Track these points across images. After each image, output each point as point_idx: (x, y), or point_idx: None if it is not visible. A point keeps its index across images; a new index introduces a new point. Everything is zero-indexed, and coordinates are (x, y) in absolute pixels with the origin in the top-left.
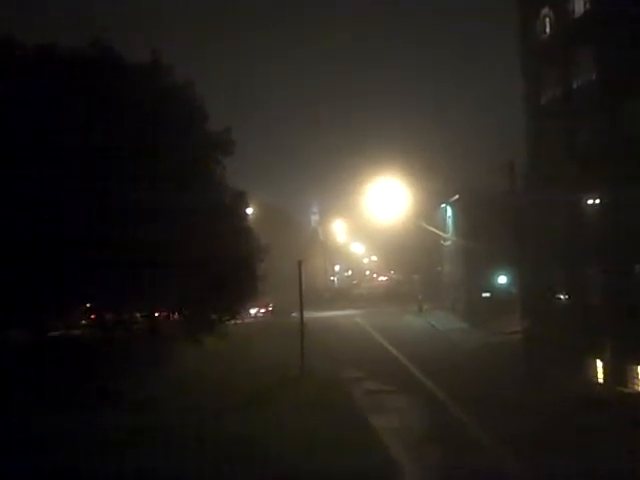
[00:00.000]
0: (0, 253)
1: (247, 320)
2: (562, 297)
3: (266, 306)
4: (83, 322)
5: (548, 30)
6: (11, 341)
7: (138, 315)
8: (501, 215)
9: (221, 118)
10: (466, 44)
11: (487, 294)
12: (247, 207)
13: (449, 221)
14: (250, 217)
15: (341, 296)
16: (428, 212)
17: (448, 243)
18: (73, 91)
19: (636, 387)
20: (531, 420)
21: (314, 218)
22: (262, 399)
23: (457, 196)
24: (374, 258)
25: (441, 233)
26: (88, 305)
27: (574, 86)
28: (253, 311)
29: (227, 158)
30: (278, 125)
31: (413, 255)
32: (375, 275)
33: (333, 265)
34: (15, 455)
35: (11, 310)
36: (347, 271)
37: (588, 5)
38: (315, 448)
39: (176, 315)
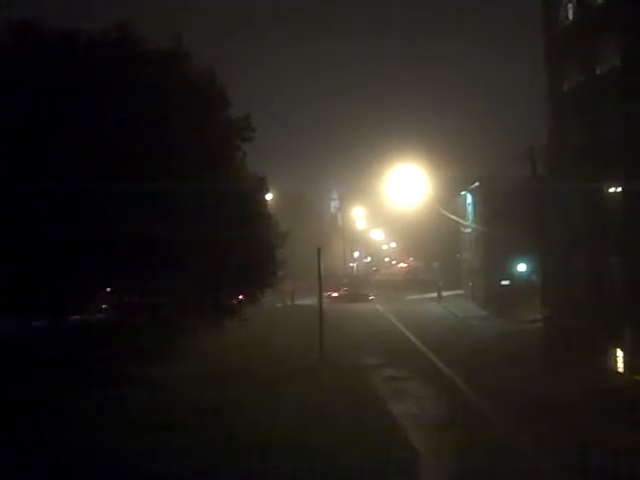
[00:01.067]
0: (21, 239)
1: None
2: (582, 285)
3: (338, 290)
4: (104, 307)
5: (571, 16)
6: (31, 326)
7: (157, 301)
8: (521, 202)
9: (241, 104)
10: (488, 31)
11: (507, 282)
12: (267, 193)
13: (469, 208)
14: (270, 203)
15: (361, 282)
16: (448, 199)
17: (468, 230)
18: (93, 77)
19: None
20: (549, 408)
21: (334, 204)
22: (281, 386)
23: (477, 183)
24: (393, 245)
25: (461, 220)
26: (109, 290)
27: (597, 72)
28: (334, 294)
29: (247, 144)
30: (299, 112)
31: (432, 242)
32: (394, 262)
33: (352, 252)
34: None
35: (31, 296)
36: (366, 258)
37: None
38: (334, 434)
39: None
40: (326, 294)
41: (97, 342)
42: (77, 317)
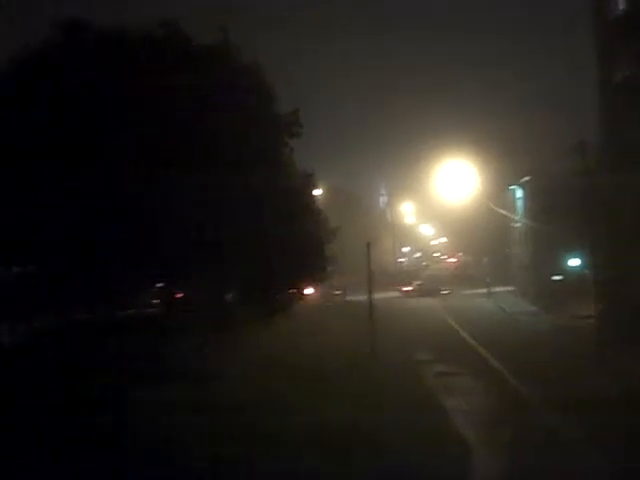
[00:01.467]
0: (73, 234)
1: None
2: (636, 280)
3: (411, 284)
4: (155, 301)
5: (623, 6)
6: (78, 320)
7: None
8: (572, 197)
9: (289, 99)
10: (536, 25)
11: (558, 277)
12: (315, 189)
13: (518, 202)
14: (318, 199)
15: (410, 278)
16: (497, 194)
17: (518, 225)
18: (142, 76)
19: None
20: (601, 404)
21: (382, 200)
22: (332, 379)
23: (527, 177)
24: (443, 240)
25: (510, 215)
26: (159, 285)
27: None
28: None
29: (295, 140)
30: (346, 107)
31: (482, 237)
32: (444, 257)
33: (402, 247)
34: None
35: (79, 290)
36: (416, 253)
37: None
38: (385, 427)
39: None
40: (401, 288)
41: (145, 337)
42: (129, 311)
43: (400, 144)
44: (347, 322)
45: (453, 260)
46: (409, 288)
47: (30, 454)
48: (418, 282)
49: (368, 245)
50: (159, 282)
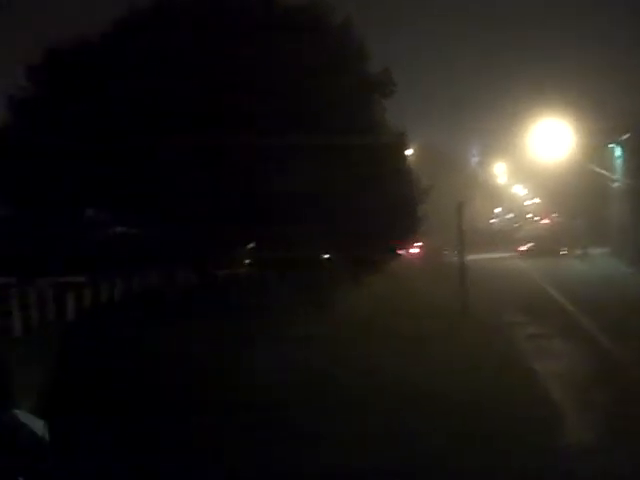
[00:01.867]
0: (171, 198)
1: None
2: None
3: (527, 244)
4: (247, 262)
5: None
6: (178, 280)
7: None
8: None
9: (381, 58)
10: None
11: None
12: (407, 148)
13: (617, 161)
14: (410, 158)
15: (502, 239)
16: (594, 153)
17: (616, 185)
18: (237, 36)
19: None
20: None
21: (474, 159)
22: (423, 340)
23: (628, 134)
24: (536, 200)
25: (609, 174)
26: (251, 245)
27: None
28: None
29: (387, 99)
30: (439, 63)
31: (578, 198)
32: (537, 218)
33: (494, 207)
34: None
35: (177, 251)
36: (508, 214)
37: None
38: (477, 389)
39: (337, 255)
40: (517, 248)
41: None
42: (223, 272)
43: (494, 102)
44: (439, 282)
45: (547, 221)
46: (524, 248)
47: None
48: (531, 244)
49: (460, 205)
50: (251, 242)
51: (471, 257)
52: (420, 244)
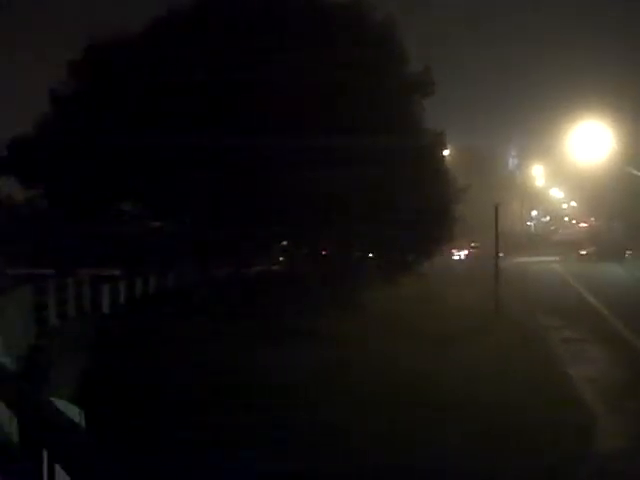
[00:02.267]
0: (206, 195)
1: None
2: None
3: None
4: (281, 259)
5: None
6: (213, 276)
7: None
8: None
9: (420, 57)
10: None
11: None
12: (445, 148)
13: None
14: (447, 158)
15: (538, 242)
16: (634, 155)
17: None
18: (275, 34)
19: None
20: None
21: (512, 161)
22: (455, 341)
23: None
24: (574, 204)
25: None
26: (284, 243)
27: None
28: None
29: (427, 99)
30: (479, 64)
31: (615, 201)
32: (575, 221)
33: (530, 210)
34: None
35: (213, 249)
36: (545, 216)
37: None
38: (508, 392)
39: (371, 255)
40: (579, 252)
41: (271, 293)
42: (257, 268)
43: (534, 104)
44: (473, 284)
45: (584, 225)
46: (584, 252)
47: None
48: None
49: (496, 207)
50: (284, 240)
51: (505, 260)
52: (473, 245)
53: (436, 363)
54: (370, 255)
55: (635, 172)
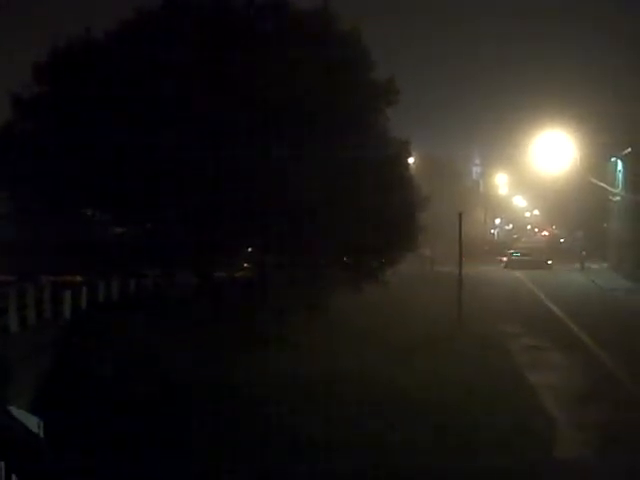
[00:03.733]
0: (169, 200)
1: None
2: None
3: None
4: (245, 265)
5: None
6: (177, 282)
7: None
8: None
9: (384, 66)
10: None
11: None
12: (410, 157)
13: (619, 175)
14: (411, 167)
15: (501, 250)
16: (596, 166)
17: (617, 199)
18: (245, 42)
19: None
20: None
21: (476, 170)
22: (417, 349)
23: (629, 149)
24: (536, 212)
25: (610, 188)
26: (250, 249)
27: None
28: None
29: (391, 108)
30: (441, 74)
31: (577, 210)
32: (537, 230)
33: (494, 218)
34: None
35: (175, 254)
36: (508, 225)
37: None
38: (470, 400)
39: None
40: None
41: (235, 299)
42: (221, 274)
43: (496, 114)
44: (435, 292)
45: (546, 233)
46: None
47: None
48: (517, 253)
49: (460, 215)
50: (250, 246)
51: (468, 268)
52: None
53: (399, 370)
54: (334, 262)
55: (596, 182)
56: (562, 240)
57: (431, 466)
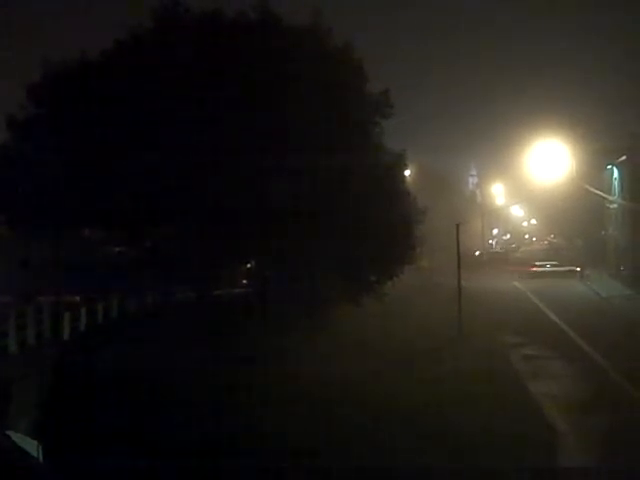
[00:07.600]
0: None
1: None
2: None
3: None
4: (244, 282)
5: None
6: (175, 299)
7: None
8: None
9: (379, 79)
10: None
11: None
12: (405, 169)
13: (615, 183)
14: (407, 179)
15: (499, 260)
16: (592, 175)
17: (614, 206)
18: (234, 58)
19: None
20: None
21: (472, 180)
22: (418, 361)
23: (625, 156)
24: (534, 222)
25: (606, 195)
26: (248, 266)
27: None
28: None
29: (386, 120)
30: (438, 86)
31: (575, 219)
32: (534, 239)
33: (491, 228)
34: None
35: (175, 271)
36: (505, 235)
37: None
38: (472, 409)
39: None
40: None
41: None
42: (219, 292)
43: (492, 124)
44: (435, 304)
45: (544, 242)
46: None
47: None
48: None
49: (457, 226)
50: (248, 262)
51: (466, 279)
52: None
53: (401, 382)
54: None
55: (593, 190)
56: (563, 250)
57: (431, 466)
